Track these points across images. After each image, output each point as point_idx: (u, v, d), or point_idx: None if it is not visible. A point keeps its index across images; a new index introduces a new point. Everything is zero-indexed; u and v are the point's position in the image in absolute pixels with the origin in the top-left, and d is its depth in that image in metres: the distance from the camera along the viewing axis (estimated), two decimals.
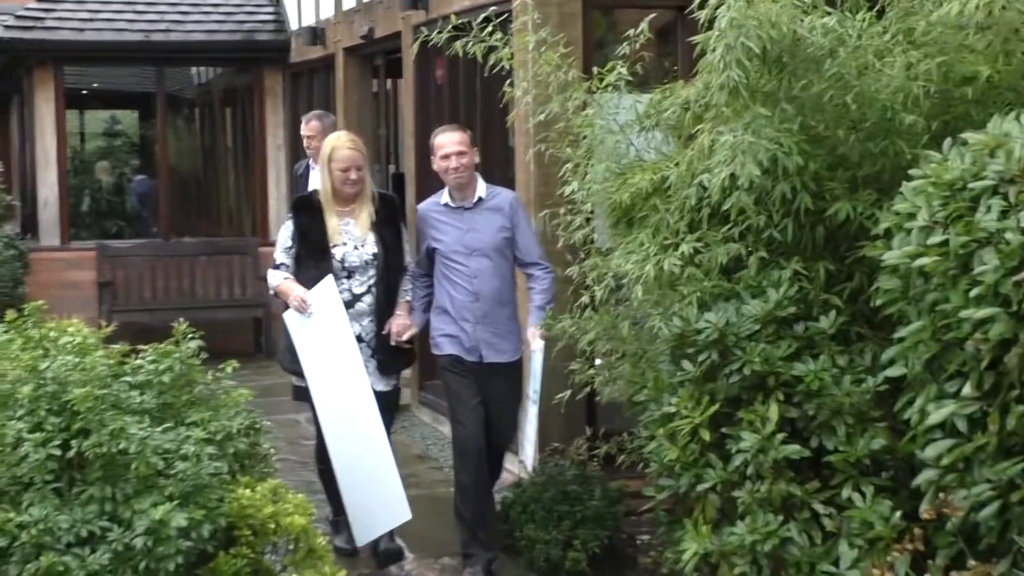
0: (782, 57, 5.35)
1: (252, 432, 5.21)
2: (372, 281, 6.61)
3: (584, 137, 6.35)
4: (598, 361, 6.65)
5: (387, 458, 6.35)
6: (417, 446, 9.55)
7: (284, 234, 6.69)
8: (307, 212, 6.65)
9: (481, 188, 6.66)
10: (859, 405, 4.99)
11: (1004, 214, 4.26)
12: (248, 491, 4.81)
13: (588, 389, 6.88)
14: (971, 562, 4.34)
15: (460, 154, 6.53)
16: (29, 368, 4.76)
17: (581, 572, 6.59)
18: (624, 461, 6.62)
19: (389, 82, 13.72)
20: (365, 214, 6.63)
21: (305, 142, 9.79)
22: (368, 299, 6.61)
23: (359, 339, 6.50)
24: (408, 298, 6.76)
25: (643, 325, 6.04)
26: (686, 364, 5.28)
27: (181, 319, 5.28)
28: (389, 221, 6.73)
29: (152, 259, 13.96)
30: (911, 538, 4.50)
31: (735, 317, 5.22)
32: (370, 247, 6.60)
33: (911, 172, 4.82)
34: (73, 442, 4.52)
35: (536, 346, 6.49)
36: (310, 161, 9.61)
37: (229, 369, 5.30)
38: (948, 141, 4.82)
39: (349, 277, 6.57)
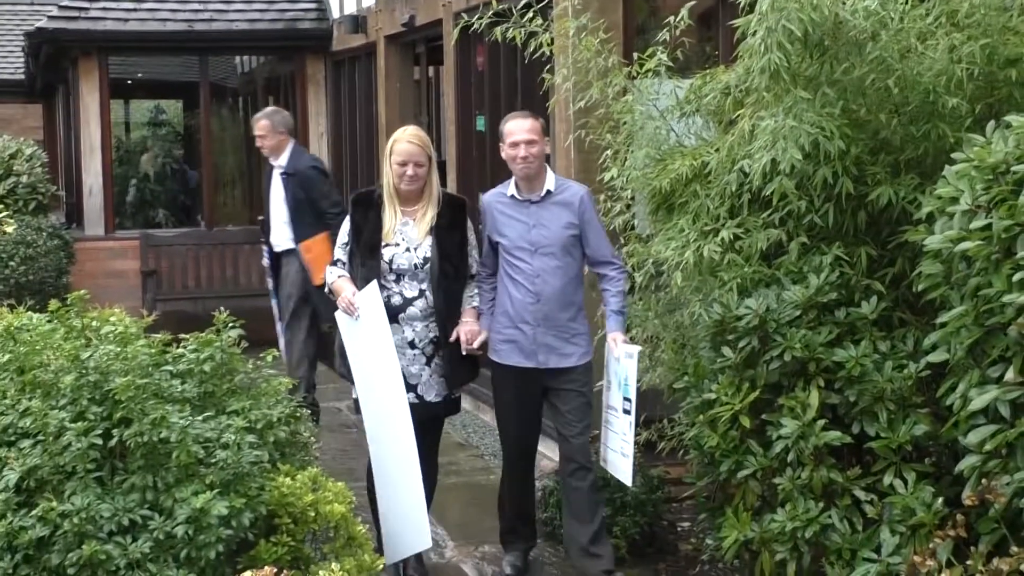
0: (823, 40, 5.30)
1: (292, 420, 5.24)
2: (424, 285, 6.11)
3: (624, 123, 6.33)
4: (639, 348, 6.63)
5: (415, 479, 5.88)
6: (458, 434, 9.55)
7: (343, 230, 6.28)
8: (364, 207, 6.20)
9: (550, 180, 6.13)
10: (901, 391, 4.95)
11: None
12: (288, 479, 4.83)
13: None
14: (1014, 548, 4.30)
15: (530, 143, 6.02)
16: (71, 357, 4.79)
17: (621, 559, 6.57)
18: (664, 448, 6.61)
19: (431, 69, 13.74)
20: (428, 217, 6.13)
21: (257, 142, 9.50)
22: (420, 304, 6.10)
23: (411, 344, 6.10)
24: (475, 304, 6.28)
25: (683, 311, 6.03)
26: (726, 350, 5.25)
27: (223, 308, 5.30)
28: (453, 226, 6.19)
29: (195, 248, 14.03)
30: (953, 524, 4.46)
31: (775, 303, 5.19)
32: (423, 251, 6.10)
33: (954, 155, 4.78)
34: (115, 431, 4.55)
35: (619, 352, 6.00)
36: (272, 160, 9.46)
37: (270, 358, 5.32)
38: (991, 124, 4.78)
39: (398, 280, 6.10)
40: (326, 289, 6.37)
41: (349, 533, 4.94)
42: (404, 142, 6.06)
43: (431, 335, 6.13)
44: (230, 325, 5.20)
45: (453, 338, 6.09)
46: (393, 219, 6.12)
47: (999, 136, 4.63)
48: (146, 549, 4.36)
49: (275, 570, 4.22)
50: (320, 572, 4.30)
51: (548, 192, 6.10)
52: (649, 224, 6.28)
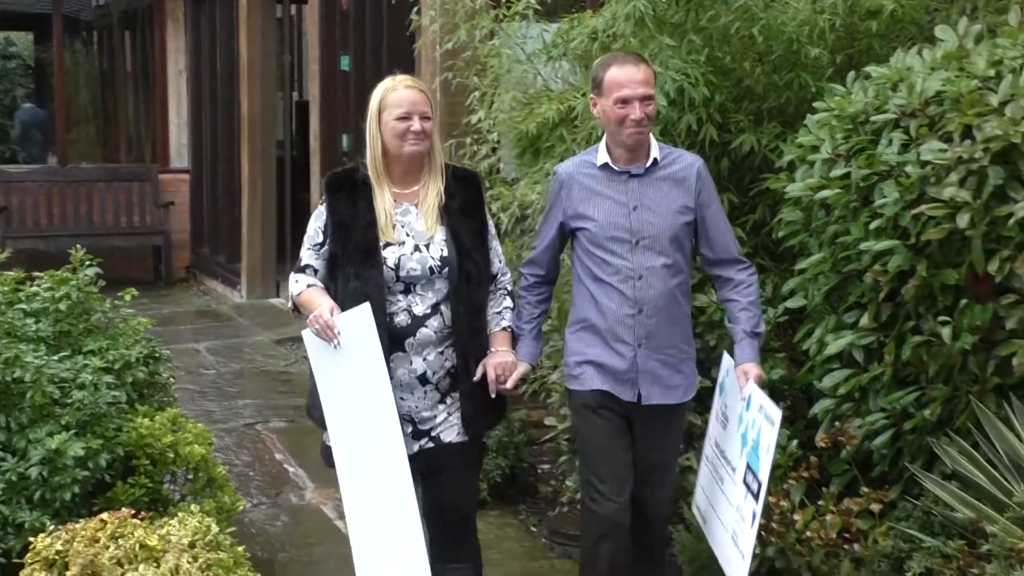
0: None
1: (151, 361, 5.14)
2: (441, 297, 4.24)
3: (491, 66, 6.30)
4: None
5: (418, 546, 4.18)
6: None
7: (314, 224, 4.35)
8: (347, 193, 4.31)
9: (655, 147, 4.38)
10: None
11: (905, 147, 4.32)
12: (147, 420, 4.75)
13: None
14: (864, 489, 4.43)
15: (646, 100, 4.28)
16: None
17: (482, 501, 6.60)
18: (526, 391, 6.63)
19: (293, 8, 13.53)
20: (433, 198, 4.30)
21: None
22: (435, 323, 4.22)
23: (422, 379, 4.24)
24: (506, 323, 4.40)
25: None
26: None
27: (78, 246, 5.17)
28: (468, 210, 4.36)
29: (48, 185, 13.69)
30: (807, 466, 4.58)
31: None
32: (437, 248, 4.24)
33: (815, 105, 4.87)
34: None
35: (755, 402, 4.17)
36: None
37: (128, 297, 5.21)
38: (852, 74, 4.87)
39: (407, 292, 4.22)
40: (290, 305, 4.46)
41: (209, 475, 4.89)
42: (402, 88, 4.27)
43: (447, 364, 4.28)
44: (87, 263, 5.08)
45: (479, 375, 4.30)
46: (385, 205, 4.28)
47: (859, 87, 4.73)
48: None
49: (132, 511, 4.15)
50: (179, 513, 4.24)
51: (655, 162, 4.35)
52: (515, 167, 6.28)
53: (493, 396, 4.32)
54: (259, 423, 8.14)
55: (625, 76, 4.28)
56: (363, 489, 4.22)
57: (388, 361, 4.13)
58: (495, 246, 4.43)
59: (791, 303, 4.88)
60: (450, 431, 4.30)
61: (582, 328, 4.43)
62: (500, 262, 4.44)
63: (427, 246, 4.24)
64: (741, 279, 4.38)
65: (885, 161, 4.32)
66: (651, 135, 4.36)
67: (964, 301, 4.16)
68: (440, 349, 4.26)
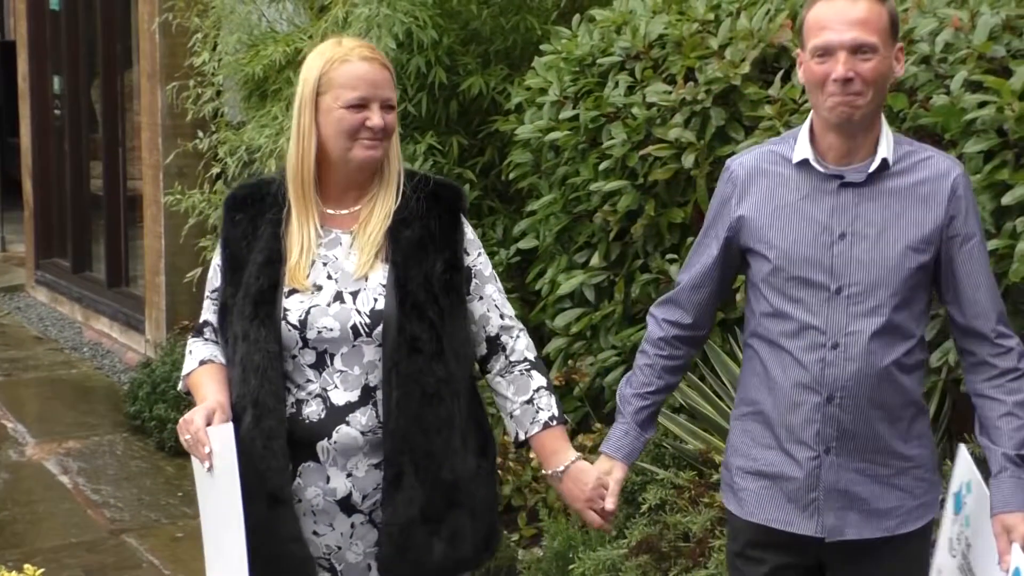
0: None
1: None
2: (375, 374, 2.72)
3: (213, 7, 6.14)
4: None
5: None
6: (34, 327, 9.13)
7: (214, 261, 2.92)
8: (249, 216, 2.83)
9: (887, 141, 2.69)
10: None
11: (631, 90, 4.41)
12: None
13: None
14: (597, 425, 4.54)
15: (863, 51, 2.60)
16: None
17: None
18: None
19: None
20: (377, 223, 2.77)
21: None
22: (363, 417, 2.71)
23: (346, 505, 2.74)
24: (548, 412, 2.84)
25: None
26: None
27: None
28: (430, 242, 2.79)
29: None
30: None
31: None
32: (369, 297, 2.72)
33: (542, 48, 4.93)
34: None
35: (1015, 564, 2.63)
36: None
37: None
38: (577, 18, 4.94)
39: (320, 365, 2.72)
40: (180, 386, 2.96)
41: None
42: (355, 60, 2.72)
43: (388, 485, 2.73)
44: None
45: (612, 505, 2.84)
46: (307, 233, 2.77)
47: (584, 30, 4.80)
48: None
49: None
50: None
51: (883, 164, 2.68)
52: (241, 110, 6.15)
53: (596, 525, 2.89)
54: None
55: (831, 13, 2.64)
56: None
57: (295, 475, 2.73)
58: (490, 295, 2.86)
59: (523, 244, 4.94)
60: None
61: (750, 415, 2.84)
62: (505, 319, 2.87)
63: (354, 295, 2.72)
64: (1004, 366, 2.71)
65: (612, 103, 4.41)
66: (883, 120, 2.71)
67: (690, 239, 4.28)
68: (375, 460, 2.72)
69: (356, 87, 2.70)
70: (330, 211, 2.79)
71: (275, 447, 2.69)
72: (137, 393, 6.76)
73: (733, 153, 4.03)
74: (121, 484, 6.09)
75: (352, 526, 2.75)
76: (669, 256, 4.32)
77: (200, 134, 6.40)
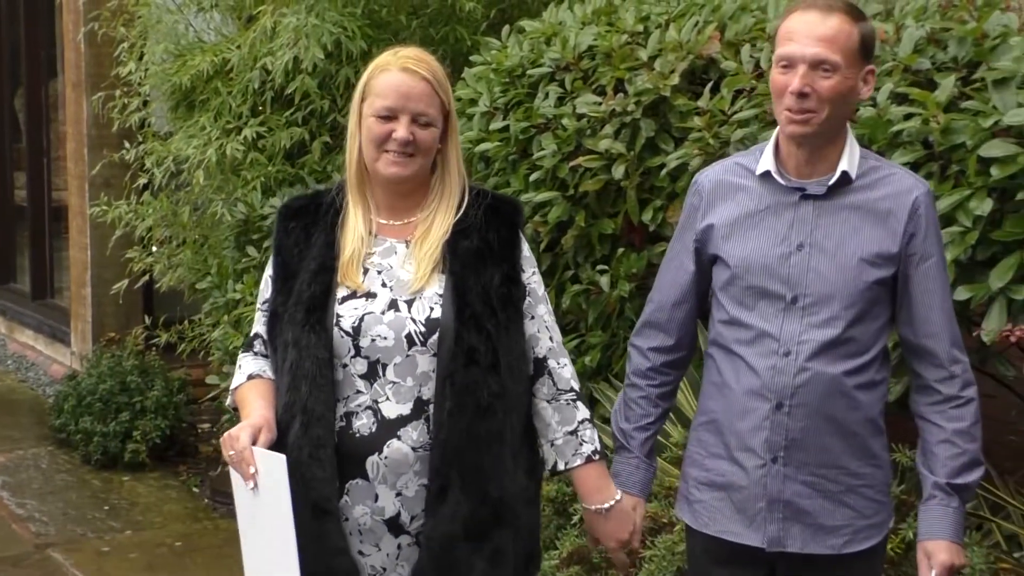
0: None
1: None
2: (428, 386, 2.66)
3: (140, 16, 6.08)
4: (155, 248, 6.44)
5: None
6: None
7: (265, 272, 2.90)
8: (303, 225, 2.83)
9: (850, 154, 2.71)
10: None
11: (561, 101, 4.41)
12: None
13: (146, 277, 6.66)
14: None
15: (823, 67, 2.62)
16: None
17: (142, 463, 6.44)
18: (185, 349, 6.48)
19: None
20: (437, 235, 2.74)
21: None
22: (415, 433, 2.65)
23: (394, 525, 2.68)
24: (590, 447, 2.82)
25: (205, 211, 5.90)
26: (251, 250, 5.21)
27: None
28: (490, 254, 2.76)
29: None
30: None
31: None
32: (425, 306, 2.68)
33: (472, 58, 4.93)
34: None
35: None
36: None
37: None
38: (506, 28, 4.95)
39: (371, 376, 2.66)
40: (228, 401, 2.90)
41: None
42: (395, 70, 2.71)
43: (434, 505, 2.68)
44: None
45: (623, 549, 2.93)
46: (361, 238, 2.75)
47: (514, 40, 4.81)
48: None
49: None
50: None
51: (843, 176, 2.70)
52: (168, 121, 6.09)
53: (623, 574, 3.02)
54: None
55: (800, 26, 2.64)
56: None
57: (343, 492, 2.66)
58: (541, 315, 2.80)
59: None
60: None
61: (704, 425, 2.86)
62: (553, 343, 2.81)
63: (409, 303, 2.67)
64: (951, 392, 2.71)
65: (542, 114, 4.41)
66: (849, 132, 2.73)
67: (621, 250, 4.30)
68: (425, 480, 2.65)
69: (386, 97, 2.68)
70: (382, 220, 2.78)
71: (322, 456, 2.63)
72: (62, 406, 6.69)
73: (663, 164, 4.08)
74: (46, 498, 6.02)
75: (399, 547, 2.69)
76: (600, 267, 4.33)
77: (127, 144, 6.31)
